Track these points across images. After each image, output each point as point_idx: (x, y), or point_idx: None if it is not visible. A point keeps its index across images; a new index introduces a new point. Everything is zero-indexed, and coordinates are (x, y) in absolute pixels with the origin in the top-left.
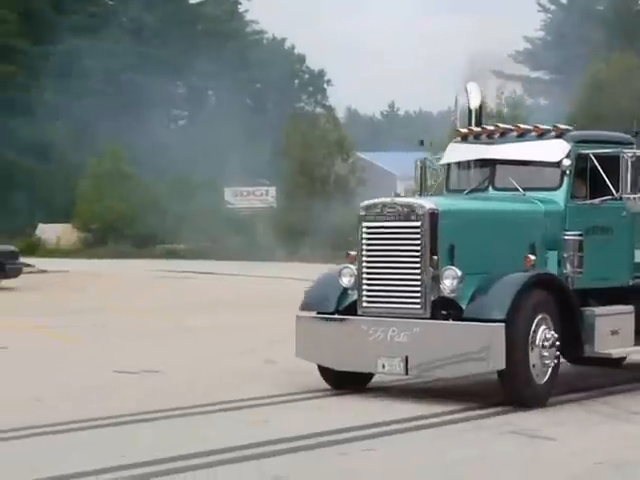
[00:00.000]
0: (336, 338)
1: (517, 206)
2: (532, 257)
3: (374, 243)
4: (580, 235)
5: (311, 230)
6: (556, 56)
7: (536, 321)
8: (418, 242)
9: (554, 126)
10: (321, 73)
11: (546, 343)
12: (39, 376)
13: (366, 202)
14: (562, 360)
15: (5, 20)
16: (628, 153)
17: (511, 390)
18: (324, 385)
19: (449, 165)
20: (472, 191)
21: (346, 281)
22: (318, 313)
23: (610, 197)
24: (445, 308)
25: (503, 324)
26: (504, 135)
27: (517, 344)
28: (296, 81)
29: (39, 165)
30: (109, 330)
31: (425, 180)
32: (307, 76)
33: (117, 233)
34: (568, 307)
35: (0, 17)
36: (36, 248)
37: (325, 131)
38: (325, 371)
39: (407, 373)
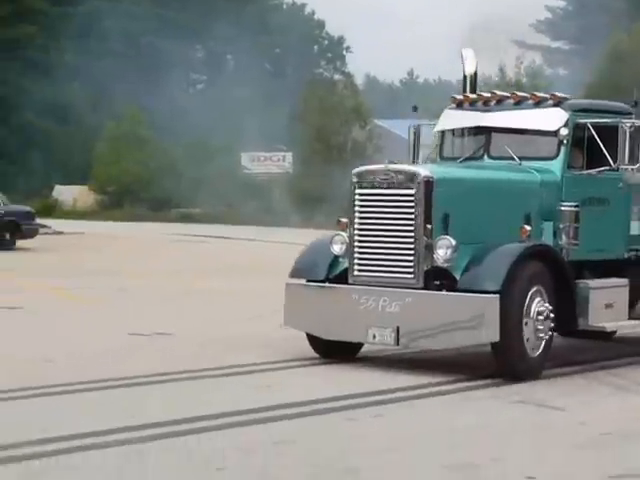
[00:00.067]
0: (326, 307)
1: (513, 175)
2: (528, 227)
3: (367, 210)
4: (576, 206)
5: (327, 197)
6: (576, 26)
7: (531, 293)
8: (412, 210)
9: (551, 94)
10: (340, 40)
11: (540, 316)
12: (52, 337)
13: (359, 168)
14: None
15: None
16: (627, 123)
17: (504, 362)
18: None
19: (443, 132)
20: (467, 159)
21: (337, 249)
22: (308, 281)
23: (607, 168)
24: (438, 278)
25: (498, 295)
26: (500, 102)
27: (511, 316)
28: (315, 47)
29: (57, 127)
30: (123, 292)
31: (418, 147)
32: (326, 42)
33: (133, 196)
34: (563, 279)
35: None
36: (52, 210)
37: (342, 97)
38: (314, 340)
39: (398, 344)
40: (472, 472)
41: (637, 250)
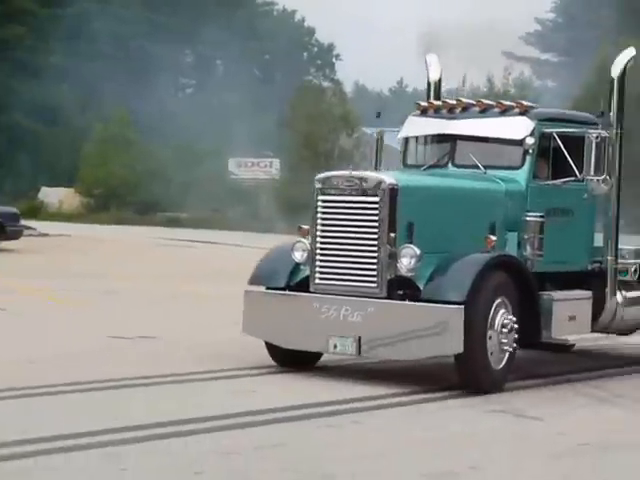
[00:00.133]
0: (286, 315)
1: (478, 184)
2: (493, 238)
3: (330, 217)
4: (542, 217)
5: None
6: (566, 38)
7: (495, 304)
8: (376, 218)
9: (518, 102)
10: (330, 47)
11: (505, 328)
12: (35, 338)
13: (322, 174)
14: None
15: None
16: (593, 134)
17: (467, 374)
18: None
19: (407, 139)
20: (431, 167)
21: (299, 256)
22: (267, 288)
23: (573, 178)
24: (402, 288)
25: (462, 306)
26: (466, 110)
27: (475, 327)
28: (305, 54)
29: (45, 128)
30: (109, 295)
31: (381, 154)
32: (316, 49)
33: (119, 199)
34: (527, 291)
35: None
36: (38, 211)
37: (331, 105)
38: (272, 348)
39: (360, 354)
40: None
41: (600, 262)
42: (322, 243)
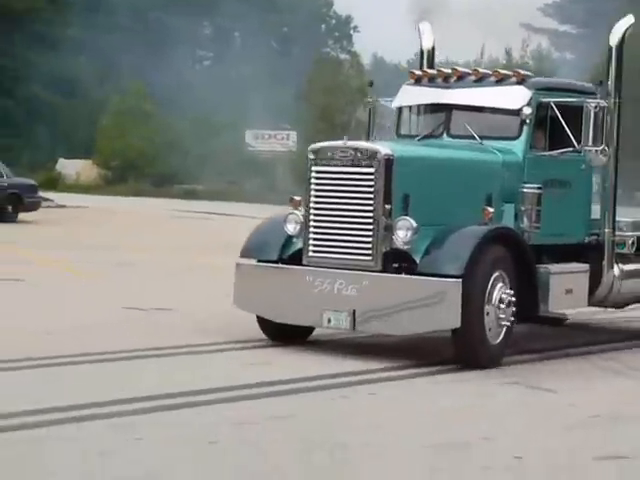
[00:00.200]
0: (278, 289)
1: (475, 155)
2: (491, 209)
3: (323, 189)
4: (539, 188)
5: None
6: (584, 9)
7: (493, 278)
8: (371, 189)
9: (514, 71)
10: (348, 19)
11: (502, 302)
12: (52, 310)
13: (316, 145)
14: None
15: None
16: (592, 103)
17: (464, 349)
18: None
19: (400, 109)
20: (425, 137)
21: (291, 228)
22: (259, 261)
23: (571, 149)
24: (397, 261)
25: (460, 280)
26: (461, 79)
27: (473, 302)
28: (323, 26)
29: (63, 100)
30: (125, 267)
31: (374, 123)
32: (334, 21)
33: (137, 171)
34: (525, 264)
35: None
36: (56, 183)
37: (348, 77)
38: (264, 322)
39: (354, 328)
40: (462, 450)
41: (597, 235)
42: (316, 215)
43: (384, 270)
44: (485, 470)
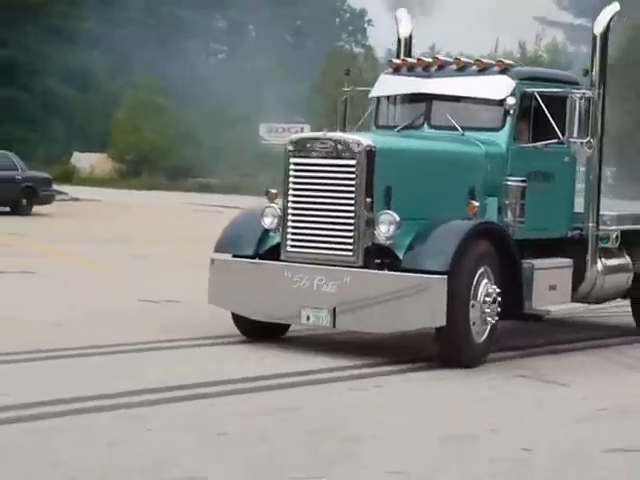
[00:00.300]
0: (254, 285)
1: (458, 147)
2: (476, 203)
3: (302, 182)
4: (523, 181)
5: None
6: (600, 2)
7: (478, 274)
8: (352, 182)
9: (498, 61)
10: (362, 12)
11: (488, 298)
12: (63, 302)
13: (295, 136)
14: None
15: None
16: (577, 94)
17: (448, 348)
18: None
19: (378, 99)
20: (405, 128)
21: (268, 222)
22: (234, 256)
23: (556, 141)
24: (379, 256)
25: (445, 276)
26: (442, 68)
27: (458, 299)
28: (337, 19)
29: (78, 94)
30: (138, 260)
31: (347, 114)
32: (348, 15)
33: (151, 165)
34: (510, 260)
35: None
36: (71, 176)
37: (362, 70)
38: (239, 319)
39: (334, 326)
40: (470, 443)
41: (581, 229)
42: (294, 209)
43: (366, 266)
44: (493, 462)
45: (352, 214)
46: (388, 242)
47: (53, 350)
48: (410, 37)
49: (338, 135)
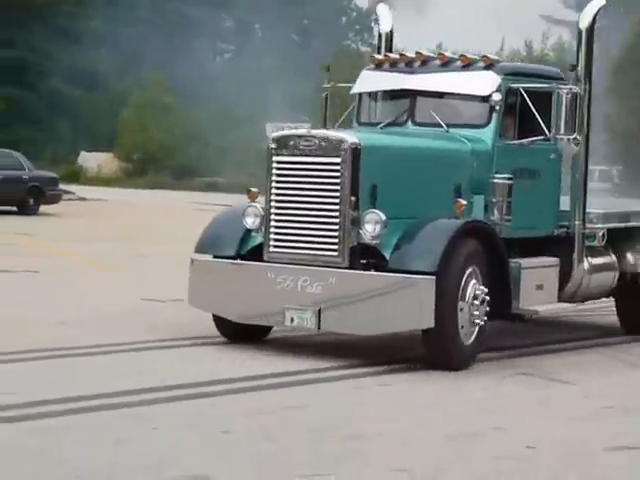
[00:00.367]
0: (236, 286)
1: (443, 144)
2: (463, 202)
3: (286, 180)
4: (510, 179)
5: None
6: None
7: (466, 274)
8: (337, 181)
9: (483, 56)
10: (369, 11)
11: (476, 300)
12: (67, 301)
13: (278, 133)
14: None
15: None
16: (564, 89)
17: (436, 350)
18: None
19: (360, 95)
20: (388, 125)
21: (250, 221)
22: (215, 257)
23: (542, 137)
24: (365, 257)
25: (434, 277)
26: (425, 64)
27: (447, 300)
28: (343, 18)
29: (84, 93)
30: (143, 259)
31: (327, 111)
32: (354, 14)
33: (157, 164)
34: (497, 259)
35: None
36: (78, 176)
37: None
38: (220, 321)
39: (319, 328)
40: (474, 440)
41: (567, 227)
42: (277, 208)
43: (351, 266)
44: (497, 460)
45: (337, 213)
46: (374, 242)
47: (58, 349)
48: (391, 32)
49: (322, 132)
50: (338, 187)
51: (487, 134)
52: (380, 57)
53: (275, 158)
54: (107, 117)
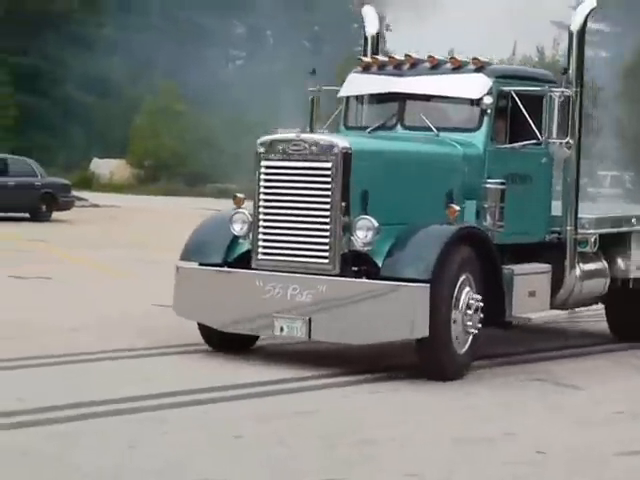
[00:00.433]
0: (224, 295)
1: (435, 148)
2: (456, 207)
3: (274, 186)
4: (502, 184)
5: None
6: (619, 7)
7: (460, 282)
8: (327, 186)
9: (473, 58)
10: (380, 18)
11: (470, 308)
12: (79, 307)
13: (266, 137)
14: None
15: None
16: (556, 92)
17: (429, 360)
18: None
19: (348, 99)
20: (377, 129)
21: (238, 228)
22: (201, 264)
23: (534, 141)
24: (357, 264)
25: (428, 285)
26: (414, 66)
27: (441, 308)
28: (354, 25)
29: (97, 100)
30: (155, 265)
31: (316, 115)
32: None
33: (170, 171)
34: (491, 266)
35: None
36: (90, 182)
37: None
38: (205, 330)
39: (310, 338)
40: (484, 445)
41: (558, 232)
42: (266, 214)
43: (342, 274)
44: (507, 465)
45: (327, 219)
46: (366, 248)
47: (69, 355)
48: (378, 35)
49: (312, 137)
50: (329, 192)
51: (478, 138)
52: (368, 60)
53: (263, 163)
54: (119, 124)
